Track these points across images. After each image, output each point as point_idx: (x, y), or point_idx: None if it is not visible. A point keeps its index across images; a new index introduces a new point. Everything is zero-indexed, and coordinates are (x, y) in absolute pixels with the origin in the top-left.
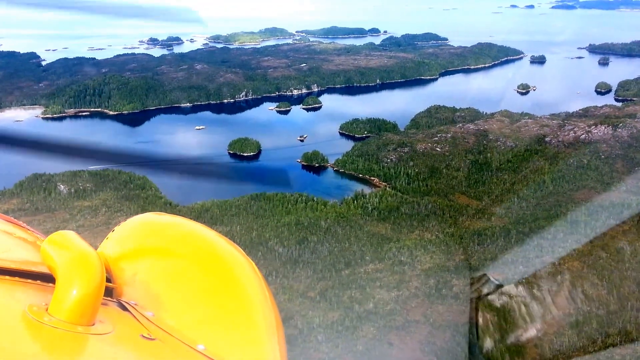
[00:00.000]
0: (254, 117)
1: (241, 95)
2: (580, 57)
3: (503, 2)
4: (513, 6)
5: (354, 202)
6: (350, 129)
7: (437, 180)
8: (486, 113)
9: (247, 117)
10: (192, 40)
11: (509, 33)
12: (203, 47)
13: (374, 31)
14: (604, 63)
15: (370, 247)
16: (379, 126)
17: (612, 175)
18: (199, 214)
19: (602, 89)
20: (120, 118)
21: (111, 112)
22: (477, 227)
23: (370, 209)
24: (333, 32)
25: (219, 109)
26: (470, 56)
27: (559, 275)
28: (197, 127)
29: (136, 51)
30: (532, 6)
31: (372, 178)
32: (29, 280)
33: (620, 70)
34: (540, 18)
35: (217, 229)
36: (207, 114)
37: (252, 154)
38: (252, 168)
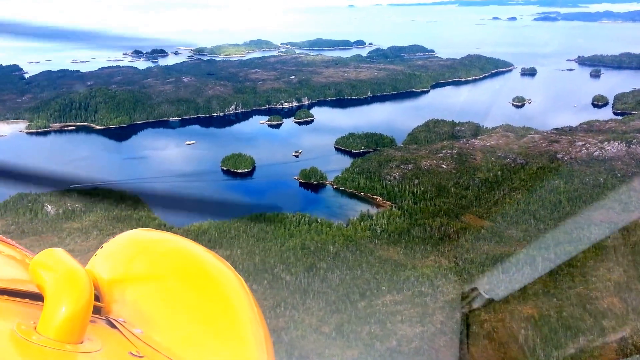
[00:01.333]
0: (245, 131)
1: (231, 109)
2: (570, 69)
3: (485, 14)
4: (495, 18)
5: (360, 224)
6: (346, 144)
7: (446, 200)
8: (486, 127)
9: (238, 131)
10: (176, 53)
11: (495, 45)
12: (188, 59)
13: (360, 43)
14: (595, 75)
15: (384, 274)
16: (376, 141)
17: (629, 194)
18: (196, 237)
19: (598, 102)
20: (107, 132)
21: (98, 127)
22: (497, 252)
23: (379, 231)
24: (318, 44)
25: (208, 122)
26: (461, 68)
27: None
28: (188, 142)
29: (121, 64)
30: (514, 18)
31: (375, 197)
32: (18, 299)
33: (612, 83)
34: (524, 30)
35: (216, 253)
36: (197, 128)
37: (246, 170)
38: (247, 186)
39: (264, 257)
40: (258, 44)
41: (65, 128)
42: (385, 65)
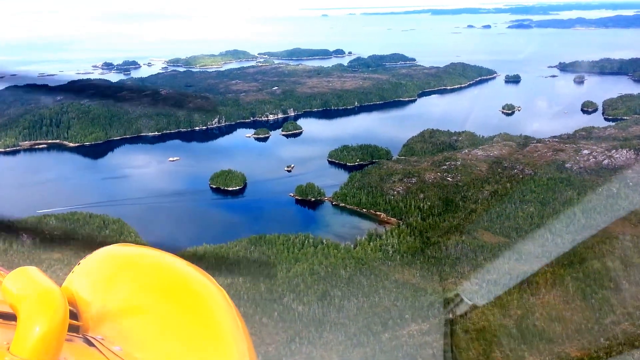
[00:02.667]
0: (232, 146)
1: (214, 122)
2: (553, 76)
3: (459, 23)
4: (470, 26)
5: (369, 244)
6: (340, 157)
7: (455, 214)
8: (483, 136)
9: (224, 146)
10: (149, 64)
11: (475, 53)
12: (162, 70)
13: (339, 52)
14: (579, 81)
15: (405, 301)
16: (371, 153)
17: None
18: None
19: (588, 108)
20: (82, 150)
21: (71, 144)
22: (519, 271)
23: (391, 252)
24: (297, 53)
25: (190, 137)
26: (445, 76)
27: None
28: (171, 159)
29: (91, 76)
30: (488, 26)
31: (379, 213)
32: None
33: (597, 89)
34: (500, 38)
35: (197, 267)
36: (178, 143)
37: (237, 188)
38: (241, 205)
39: (270, 285)
40: (234, 54)
41: (36, 146)
42: (369, 75)
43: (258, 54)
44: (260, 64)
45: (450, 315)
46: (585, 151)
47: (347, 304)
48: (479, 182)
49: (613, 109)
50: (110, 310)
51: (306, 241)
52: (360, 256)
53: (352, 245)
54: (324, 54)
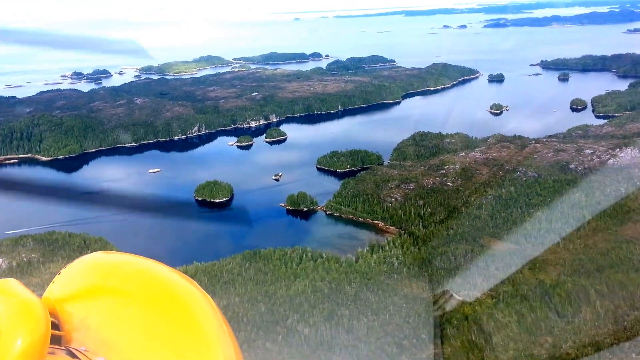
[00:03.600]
0: (214, 155)
1: (193, 130)
2: (537, 74)
3: (434, 23)
4: (446, 27)
5: (372, 256)
6: (329, 163)
7: (458, 221)
8: (476, 138)
9: (206, 155)
10: (121, 73)
11: (454, 53)
12: (135, 79)
13: (316, 55)
14: (564, 79)
15: (417, 318)
16: (362, 158)
17: None
18: None
19: (577, 106)
20: (56, 164)
21: (44, 158)
22: (534, 280)
23: (396, 264)
24: (273, 58)
25: (169, 146)
26: (428, 77)
27: None
28: (151, 170)
29: (61, 86)
30: (464, 26)
31: (376, 222)
32: None
33: (583, 86)
34: (477, 37)
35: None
36: (157, 153)
37: (224, 199)
38: (230, 218)
39: (270, 305)
40: (209, 60)
41: (7, 162)
42: (350, 77)
43: (233, 59)
44: (236, 70)
45: (473, 336)
46: (588, 151)
47: (356, 324)
48: (481, 187)
49: (603, 106)
50: (94, 320)
51: (304, 255)
52: (364, 270)
53: (353, 259)
54: (301, 57)
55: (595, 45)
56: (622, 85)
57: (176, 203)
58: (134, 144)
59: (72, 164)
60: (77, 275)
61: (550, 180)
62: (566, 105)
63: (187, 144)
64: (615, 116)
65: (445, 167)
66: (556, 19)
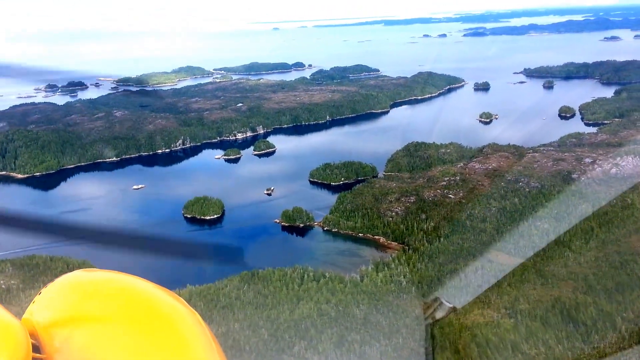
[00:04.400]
0: (201, 169)
1: (178, 144)
2: (522, 82)
3: (414, 33)
4: (426, 35)
5: (377, 275)
6: (322, 176)
7: (463, 236)
8: (471, 147)
9: (192, 169)
10: (97, 85)
11: (437, 61)
12: (113, 91)
13: (299, 65)
14: (548, 87)
15: (433, 342)
16: (356, 170)
17: None
18: None
19: (566, 114)
20: (32, 181)
21: (20, 175)
22: (549, 297)
23: (404, 283)
24: (255, 68)
25: (152, 161)
26: (415, 86)
27: None
28: (136, 187)
29: (35, 100)
30: (444, 35)
31: (377, 237)
32: None
33: (569, 93)
34: (457, 46)
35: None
36: (141, 168)
37: (215, 216)
38: (223, 235)
39: (273, 331)
40: (189, 70)
41: None
42: (337, 87)
43: (214, 69)
44: (218, 80)
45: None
46: (588, 159)
47: (369, 350)
48: (484, 198)
49: (592, 114)
50: (77, 342)
51: (305, 275)
52: (371, 290)
53: (358, 278)
54: (284, 67)
55: (575, 53)
56: (607, 92)
57: (164, 220)
58: (115, 158)
59: (50, 181)
60: (58, 295)
61: (555, 191)
62: (554, 113)
63: (172, 158)
64: (605, 123)
65: (446, 179)
66: (534, 28)
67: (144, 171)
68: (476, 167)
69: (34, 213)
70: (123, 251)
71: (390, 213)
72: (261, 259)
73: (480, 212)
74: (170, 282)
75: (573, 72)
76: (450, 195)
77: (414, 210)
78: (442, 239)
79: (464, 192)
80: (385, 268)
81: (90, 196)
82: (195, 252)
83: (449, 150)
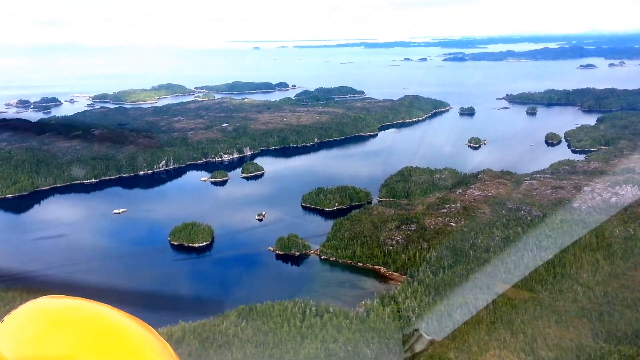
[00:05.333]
0: (186, 192)
1: (161, 165)
2: (505, 108)
3: (394, 56)
4: (407, 59)
5: (384, 309)
6: (315, 201)
7: (467, 266)
8: (465, 173)
9: (177, 192)
10: (72, 101)
11: (421, 85)
12: (89, 107)
13: (283, 85)
14: (531, 113)
15: None
16: (350, 196)
17: None
18: None
19: (552, 140)
20: (3, 204)
21: None
22: (569, 342)
23: (413, 318)
24: (238, 87)
25: (134, 183)
26: (402, 109)
27: None
28: (117, 211)
29: (6, 116)
30: (425, 59)
31: (377, 267)
32: None
33: (552, 120)
34: (439, 70)
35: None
36: (120, 190)
37: (204, 243)
38: (214, 265)
39: None
40: (169, 88)
41: None
42: (324, 109)
43: (195, 88)
44: (200, 99)
45: None
46: (587, 188)
47: None
48: (487, 227)
49: (578, 141)
50: None
51: (307, 310)
52: (379, 327)
53: (364, 313)
54: (267, 87)
55: (555, 80)
56: (589, 120)
57: (148, 248)
58: (93, 180)
59: (23, 204)
60: (22, 323)
61: (557, 220)
62: (541, 139)
63: (155, 180)
64: (592, 151)
65: (446, 206)
66: (511, 54)
67: (125, 194)
68: (475, 193)
69: (4, 240)
70: (104, 281)
71: (390, 242)
72: (257, 291)
73: (484, 242)
74: (158, 317)
75: (554, 99)
76: (451, 224)
77: (415, 238)
78: (446, 270)
79: (465, 219)
80: (392, 302)
81: (67, 221)
82: (184, 283)
83: (444, 176)
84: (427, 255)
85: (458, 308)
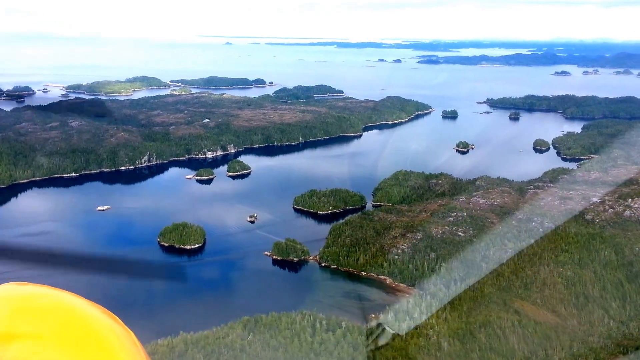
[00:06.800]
0: (171, 189)
1: (143, 160)
2: (488, 112)
3: (368, 57)
4: (381, 60)
5: (398, 324)
6: (309, 204)
7: (480, 280)
8: (461, 180)
9: (161, 189)
10: (45, 91)
11: (398, 86)
12: (63, 98)
13: (260, 82)
14: (514, 118)
15: None
16: (344, 199)
17: None
18: None
19: (541, 147)
20: None
21: None
22: None
23: (434, 337)
24: (214, 82)
25: (115, 178)
26: (385, 110)
27: None
28: (100, 208)
29: None
30: (399, 60)
31: (383, 277)
32: None
33: (537, 126)
34: (414, 72)
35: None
36: (102, 186)
37: (196, 245)
38: (209, 269)
39: None
40: (144, 80)
41: None
42: (306, 107)
43: (170, 81)
44: (177, 93)
45: None
46: (595, 199)
47: None
48: (497, 238)
49: (567, 148)
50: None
51: (317, 323)
52: (399, 345)
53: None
54: (244, 83)
55: (532, 86)
56: (574, 127)
57: (137, 249)
58: (73, 174)
59: (1, 197)
60: None
61: (571, 233)
62: (529, 145)
63: (137, 176)
64: (582, 159)
65: (452, 214)
66: (485, 59)
67: (107, 189)
68: (480, 202)
69: None
70: (91, 286)
71: (396, 250)
72: (258, 300)
73: (496, 254)
74: (156, 326)
75: (535, 105)
76: (459, 233)
77: (422, 248)
78: (458, 282)
79: (473, 229)
80: (407, 317)
81: (48, 217)
82: (179, 289)
83: (440, 181)
84: (435, 266)
85: (482, 327)
